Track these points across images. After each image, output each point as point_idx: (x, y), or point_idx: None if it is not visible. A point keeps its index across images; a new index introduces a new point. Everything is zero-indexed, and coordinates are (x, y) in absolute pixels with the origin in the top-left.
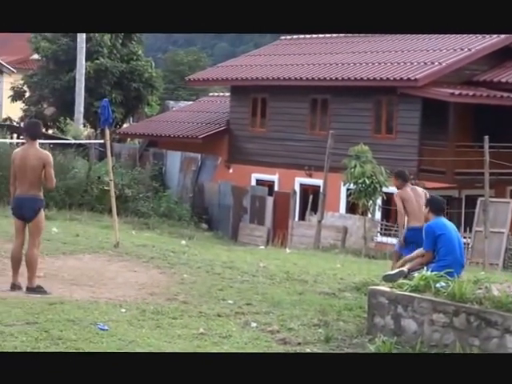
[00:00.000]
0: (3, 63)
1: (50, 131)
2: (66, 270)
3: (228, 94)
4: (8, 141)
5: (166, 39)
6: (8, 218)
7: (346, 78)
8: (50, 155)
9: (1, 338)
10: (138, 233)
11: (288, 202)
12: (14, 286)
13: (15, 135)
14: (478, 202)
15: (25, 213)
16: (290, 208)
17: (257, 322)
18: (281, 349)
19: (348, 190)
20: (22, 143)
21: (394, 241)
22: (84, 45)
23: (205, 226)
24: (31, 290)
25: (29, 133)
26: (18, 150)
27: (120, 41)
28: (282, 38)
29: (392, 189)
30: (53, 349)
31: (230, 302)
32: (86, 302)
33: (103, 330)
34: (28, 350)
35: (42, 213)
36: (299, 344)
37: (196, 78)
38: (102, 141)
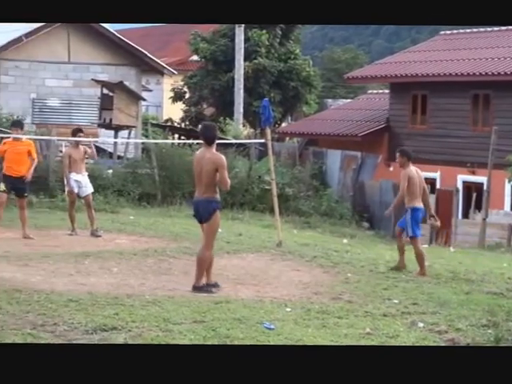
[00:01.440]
0: (164, 65)
1: None
2: (230, 269)
3: (387, 91)
4: (169, 141)
5: (322, 37)
6: (172, 218)
7: (508, 72)
8: (224, 158)
9: (170, 337)
10: (299, 232)
11: (451, 200)
12: (208, 286)
13: (176, 136)
14: None
15: (201, 215)
16: (453, 206)
17: (424, 321)
18: None
19: None
20: (184, 143)
21: None
22: (242, 45)
23: (366, 224)
24: (197, 288)
25: (204, 136)
26: (197, 152)
27: (278, 40)
28: (442, 33)
29: None
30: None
31: (396, 301)
32: (251, 301)
33: (269, 328)
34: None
35: (217, 215)
36: (468, 345)
37: (354, 75)
38: (262, 140)
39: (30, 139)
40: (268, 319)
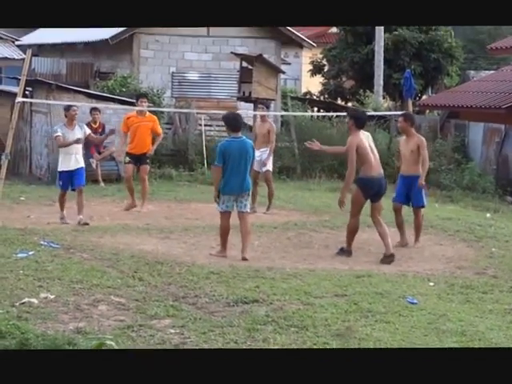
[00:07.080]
0: (303, 37)
1: (350, 104)
2: (371, 243)
3: None
4: (309, 114)
5: None
6: (312, 191)
7: None
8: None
9: (311, 310)
10: (441, 206)
11: None
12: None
13: (315, 109)
14: None
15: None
16: None
17: None
18: None
19: None
20: (323, 116)
21: None
22: None
23: (509, 198)
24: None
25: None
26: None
27: None
28: None
29: None
30: (362, 322)
31: None
32: (393, 275)
33: (412, 303)
34: (338, 323)
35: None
36: None
37: (498, 46)
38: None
39: (169, 112)
40: (410, 293)
